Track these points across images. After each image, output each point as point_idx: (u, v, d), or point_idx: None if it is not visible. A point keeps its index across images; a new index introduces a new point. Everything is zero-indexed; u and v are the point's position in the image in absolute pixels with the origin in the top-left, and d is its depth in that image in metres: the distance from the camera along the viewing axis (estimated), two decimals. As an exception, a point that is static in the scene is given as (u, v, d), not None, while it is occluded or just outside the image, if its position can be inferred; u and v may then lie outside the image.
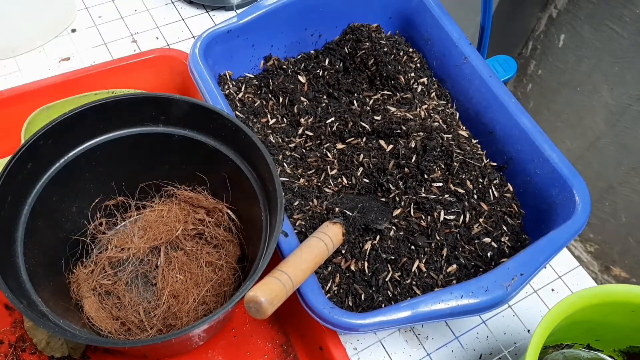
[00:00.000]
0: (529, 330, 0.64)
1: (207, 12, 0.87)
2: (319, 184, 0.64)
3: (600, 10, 0.92)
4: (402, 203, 0.59)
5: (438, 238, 0.57)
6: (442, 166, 0.61)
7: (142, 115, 0.58)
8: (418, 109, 0.67)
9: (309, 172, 0.65)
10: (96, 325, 0.56)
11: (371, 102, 0.70)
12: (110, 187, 0.62)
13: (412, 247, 0.57)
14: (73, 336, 0.46)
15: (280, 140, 0.68)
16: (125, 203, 0.64)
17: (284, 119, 0.71)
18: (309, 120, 0.70)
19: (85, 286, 0.58)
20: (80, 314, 0.56)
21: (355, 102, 0.71)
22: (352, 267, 0.56)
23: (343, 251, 0.56)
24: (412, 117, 0.65)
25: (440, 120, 0.66)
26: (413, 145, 0.62)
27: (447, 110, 0.69)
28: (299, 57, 0.76)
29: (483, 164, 0.63)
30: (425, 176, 0.60)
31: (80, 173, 0.58)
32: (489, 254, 0.58)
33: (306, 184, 0.64)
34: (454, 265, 0.57)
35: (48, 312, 0.49)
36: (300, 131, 0.69)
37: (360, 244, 0.57)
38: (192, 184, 0.63)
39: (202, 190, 0.63)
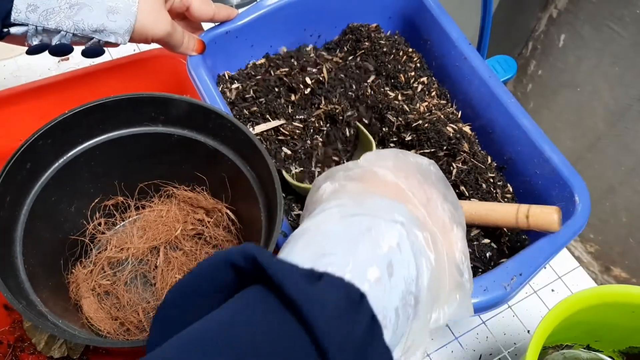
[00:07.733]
0: (528, 331, 0.64)
1: (207, 12, 0.87)
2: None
3: (600, 11, 0.92)
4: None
5: (437, 238, 0.57)
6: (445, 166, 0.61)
7: (141, 115, 0.58)
8: (418, 105, 0.67)
9: (308, 172, 0.65)
10: (95, 326, 0.56)
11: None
12: (109, 187, 0.62)
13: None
14: (72, 336, 0.46)
15: (279, 140, 0.68)
16: (124, 203, 0.64)
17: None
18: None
19: (84, 286, 0.58)
20: (79, 314, 0.56)
21: (354, 102, 0.71)
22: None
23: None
24: (409, 110, 0.65)
25: (442, 117, 0.66)
26: (409, 139, 0.62)
27: (448, 109, 0.69)
28: (298, 57, 0.76)
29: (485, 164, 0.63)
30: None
31: (79, 173, 0.58)
32: (487, 255, 0.58)
33: (305, 184, 0.64)
34: (454, 266, 0.57)
35: (47, 312, 0.49)
36: (299, 131, 0.69)
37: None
38: (192, 184, 0.63)
39: (201, 191, 0.63)
